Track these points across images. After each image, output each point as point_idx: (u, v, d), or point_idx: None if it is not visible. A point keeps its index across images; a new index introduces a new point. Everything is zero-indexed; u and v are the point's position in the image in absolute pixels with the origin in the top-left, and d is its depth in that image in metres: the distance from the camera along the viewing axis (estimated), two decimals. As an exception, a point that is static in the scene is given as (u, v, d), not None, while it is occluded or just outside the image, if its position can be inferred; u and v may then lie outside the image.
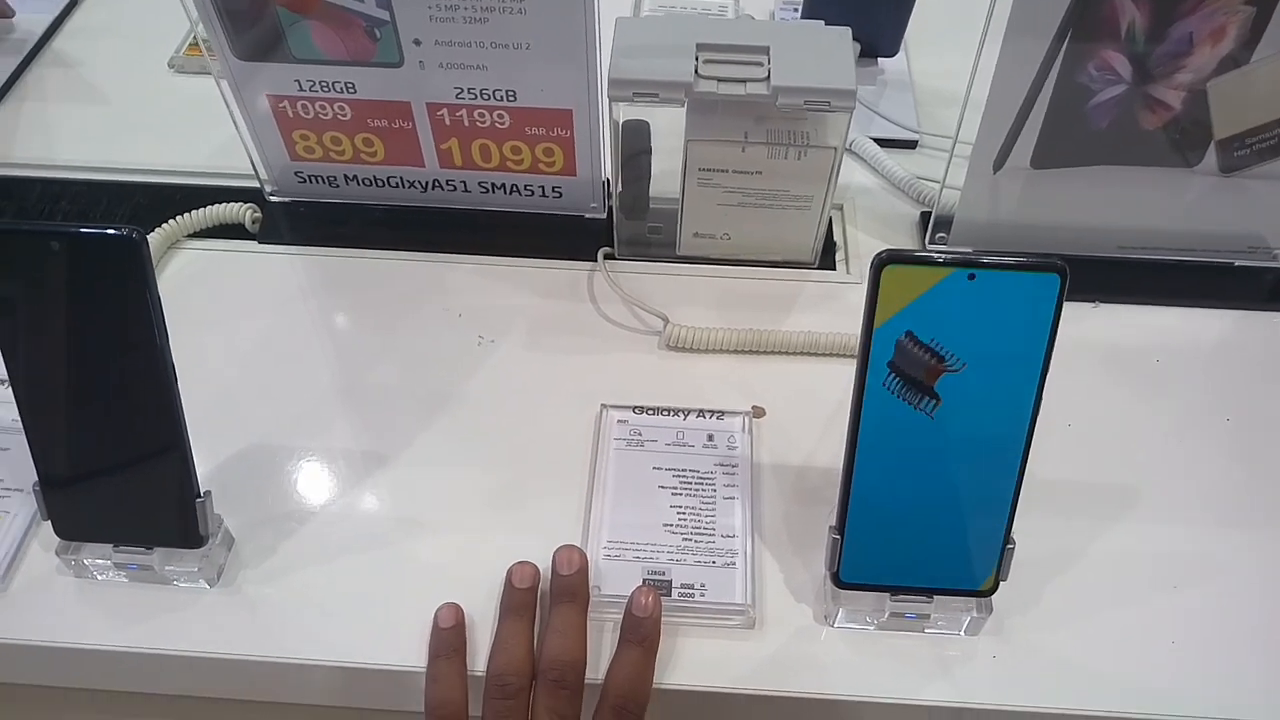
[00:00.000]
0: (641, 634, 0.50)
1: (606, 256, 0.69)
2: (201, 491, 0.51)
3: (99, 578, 0.54)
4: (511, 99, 0.63)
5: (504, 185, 0.69)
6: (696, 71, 0.61)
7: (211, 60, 0.63)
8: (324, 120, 0.66)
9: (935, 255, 0.44)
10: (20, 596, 0.54)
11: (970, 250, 0.63)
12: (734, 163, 0.64)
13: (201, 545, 0.52)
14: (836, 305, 0.68)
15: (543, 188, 0.69)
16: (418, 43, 0.61)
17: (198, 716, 0.59)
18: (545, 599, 0.53)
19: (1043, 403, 0.45)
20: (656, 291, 0.67)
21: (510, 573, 0.53)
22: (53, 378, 0.48)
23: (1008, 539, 0.49)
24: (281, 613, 0.53)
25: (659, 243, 0.70)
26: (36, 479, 0.51)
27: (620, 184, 0.67)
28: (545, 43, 0.60)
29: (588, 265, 0.69)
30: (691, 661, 0.51)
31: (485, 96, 0.63)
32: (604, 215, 0.71)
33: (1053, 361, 0.45)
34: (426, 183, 0.70)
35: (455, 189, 0.70)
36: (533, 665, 0.50)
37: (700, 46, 0.61)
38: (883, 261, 0.43)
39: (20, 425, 0.50)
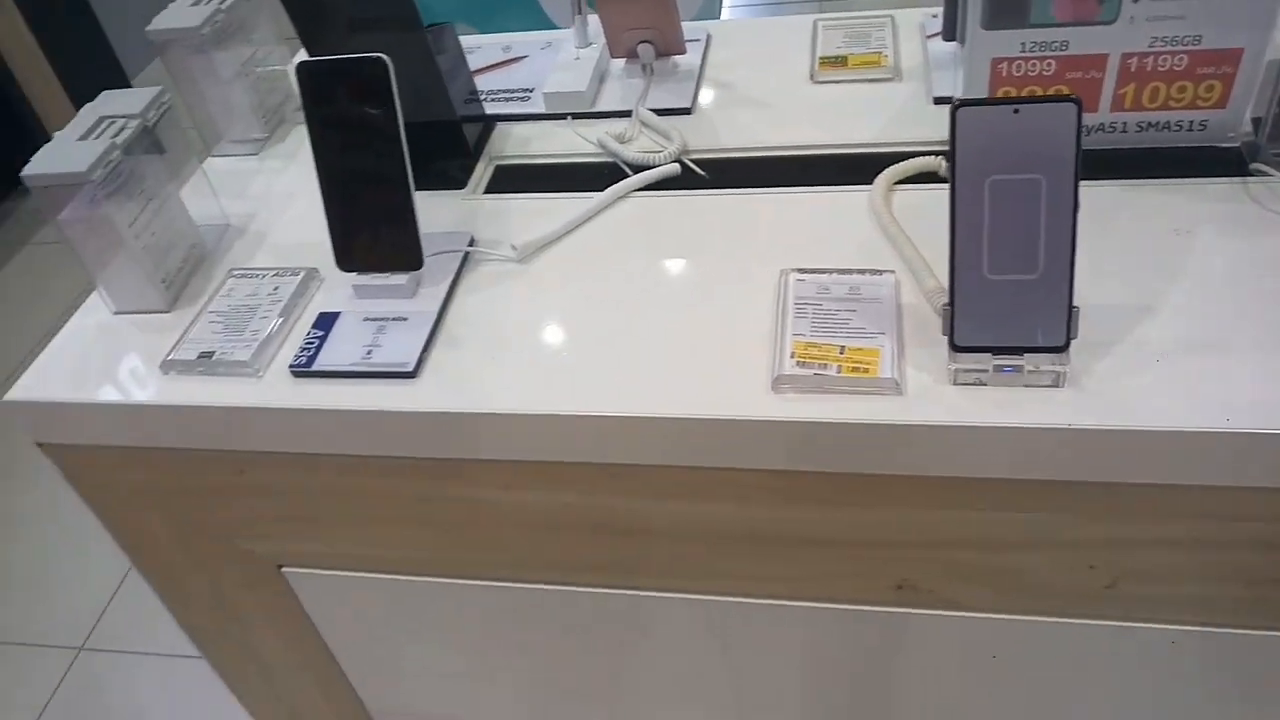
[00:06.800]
0: None
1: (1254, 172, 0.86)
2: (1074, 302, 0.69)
3: (961, 382, 0.72)
4: (1196, 43, 0.82)
5: (1158, 123, 0.87)
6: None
7: (961, 28, 0.84)
8: (1030, 76, 0.86)
9: None
10: (914, 398, 0.73)
11: None
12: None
13: (1066, 348, 0.70)
14: None
15: (1190, 122, 0.87)
16: (1136, 0, 0.80)
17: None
18: None
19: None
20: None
21: None
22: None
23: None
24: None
25: (1287, 163, 0.86)
26: (948, 300, 0.70)
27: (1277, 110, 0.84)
28: (1245, -11, 0.79)
29: (1234, 180, 0.86)
30: None
31: (1175, 43, 0.82)
32: (1237, 144, 0.88)
33: None
34: (1091, 126, 0.88)
35: (1114, 130, 0.88)
36: None
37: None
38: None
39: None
